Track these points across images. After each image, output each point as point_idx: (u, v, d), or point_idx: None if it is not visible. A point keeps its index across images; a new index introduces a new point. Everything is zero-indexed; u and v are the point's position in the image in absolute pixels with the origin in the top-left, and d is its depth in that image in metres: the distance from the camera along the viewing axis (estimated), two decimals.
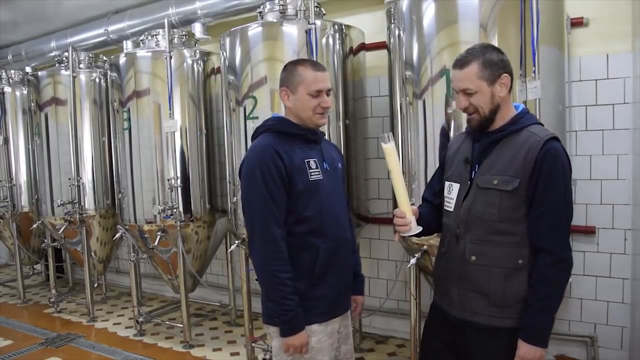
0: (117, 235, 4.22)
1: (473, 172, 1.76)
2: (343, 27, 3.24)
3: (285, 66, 1.96)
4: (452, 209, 1.81)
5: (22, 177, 5.32)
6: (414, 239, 2.68)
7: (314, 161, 1.90)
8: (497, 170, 1.68)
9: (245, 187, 1.86)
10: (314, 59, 2.99)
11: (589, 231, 3.09)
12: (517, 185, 1.64)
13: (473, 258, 1.72)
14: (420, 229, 1.76)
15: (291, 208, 1.84)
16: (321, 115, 1.90)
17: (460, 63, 1.70)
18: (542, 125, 1.78)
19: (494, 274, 1.70)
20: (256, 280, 1.93)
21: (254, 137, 1.98)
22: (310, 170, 1.87)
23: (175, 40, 3.92)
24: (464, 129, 2.14)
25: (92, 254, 4.74)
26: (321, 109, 1.89)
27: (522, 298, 1.68)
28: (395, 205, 1.83)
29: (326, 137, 2.33)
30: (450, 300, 1.82)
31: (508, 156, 1.67)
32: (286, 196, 1.82)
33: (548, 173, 1.62)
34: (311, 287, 1.86)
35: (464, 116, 1.81)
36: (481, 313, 1.73)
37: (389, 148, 1.69)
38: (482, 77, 1.66)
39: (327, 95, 1.90)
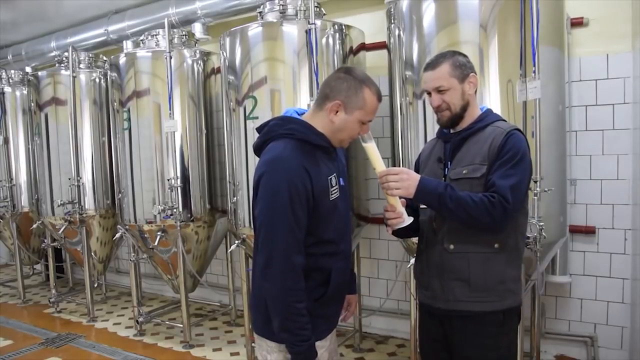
0: (117, 235, 4.24)
1: (446, 169, 1.85)
2: (343, 27, 3.24)
3: (346, 77, 1.70)
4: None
5: (22, 177, 5.31)
6: (414, 239, 2.67)
7: (334, 177, 1.74)
8: (466, 162, 1.79)
9: (266, 206, 1.65)
10: (314, 59, 3.00)
11: (589, 231, 3.10)
12: (485, 171, 1.74)
13: (452, 247, 1.79)
14: (411, 219, 1.78)
15: (311, 230, 1.69)
16: (350, 140, 1.78)
17: (433, 65, 1.82)
18: (506, 121, 1.89)
19: (472, 260, 1.76)
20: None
21: (269, 137, 1.74)
22: (332, 189, 1.72)
23: (175, 40, 3.92)
24: None
25: (92, 254, 4.74)
26: (356, 135, 1.74)
27: (502, 280, 1.77)
28: None
29: None
30: (434, 292, 1.85)
31: (475, 149, 1.78)
32: (308, 219, 1.67)
33: (509, 149, 1.72)
34: (318, 306, 1.74)
35: None
36: (465, 300, 1.78)
37: (370, 146, 1.75)
38: (454, 76, 1.78)
39: None
